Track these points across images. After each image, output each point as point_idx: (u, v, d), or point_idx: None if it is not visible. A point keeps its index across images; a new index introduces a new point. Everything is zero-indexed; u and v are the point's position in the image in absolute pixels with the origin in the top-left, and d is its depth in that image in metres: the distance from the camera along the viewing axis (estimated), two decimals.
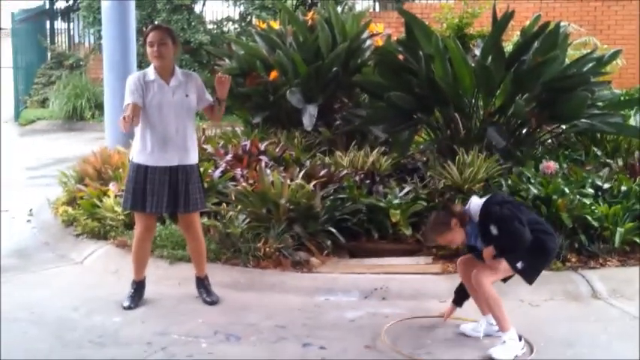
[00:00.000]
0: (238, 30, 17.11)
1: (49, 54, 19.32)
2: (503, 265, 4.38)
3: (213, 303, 5.27)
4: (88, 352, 4.49)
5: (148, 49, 5.04)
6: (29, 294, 5.47)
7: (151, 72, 5.05)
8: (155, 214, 5.25)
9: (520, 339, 4.40)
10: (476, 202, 4.48)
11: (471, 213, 4.45)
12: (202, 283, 5.36)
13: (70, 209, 7.05)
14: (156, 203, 5.04)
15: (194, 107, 5.21)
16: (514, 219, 4.29)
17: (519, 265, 4.37)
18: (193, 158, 5.19)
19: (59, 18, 20.60)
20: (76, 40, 20.20)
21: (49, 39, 19.72)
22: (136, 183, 5.04)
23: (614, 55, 8.10)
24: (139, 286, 5.30)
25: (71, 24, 20.42)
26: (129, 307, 5.14)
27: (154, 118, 5.00)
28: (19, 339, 4.66)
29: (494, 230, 4.33)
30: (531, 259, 4.41)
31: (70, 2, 20.35)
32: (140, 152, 5.06)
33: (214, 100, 5.29)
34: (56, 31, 20.45)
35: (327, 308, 5.21)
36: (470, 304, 4.79)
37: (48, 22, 19.99)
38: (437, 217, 4.59)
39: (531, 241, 4.30)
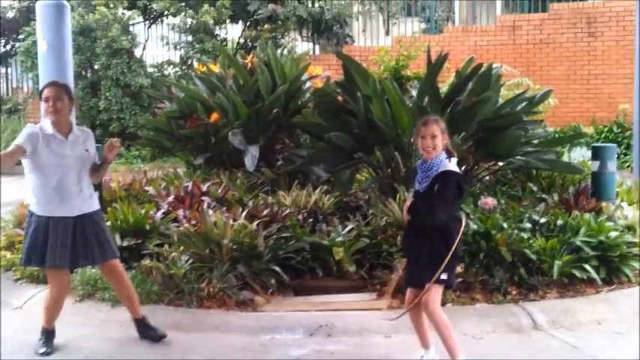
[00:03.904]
0: (179, 73, 17.17)
1: None
2: (436, 286, 4.46)
3: (163, 336, 5.23)
4: None
5: (44, 105, 4.98)
6: None
7: (47, 126, 4.97)
8: (62, 267, 5.04)
9: None
10: (449, 163, 4.49)
11: (444, 161, 4.48)
12: (143, 322, 5.30)
13: (8, 254, 6.93)
14: (59, 256, 4.92)
15: (92, 161, 5.15)
16: (456, 196, 4.43)
17: (444, 276, 4.44)
18: (95, 205, 5.13)
19: None
20: (14, 84, 19.98)
21: None
22: (40, 237, 4.92)
23: (546, 95, 8.37)
24: (50, 334, 5.20)
25: (9, 68, 20.22)
26: (46, 353, 5.04)
27: (52, 170, 4.92)
28: None
29: (438, 185, 4.42)
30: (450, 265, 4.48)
31: (8, 47, 20.14)
32: (40, 203, 4.95)
33: (101, 162, 5.21)
34: None
35: (272, 347, 5.20)
36: (410, 340, 4.84)
37: None
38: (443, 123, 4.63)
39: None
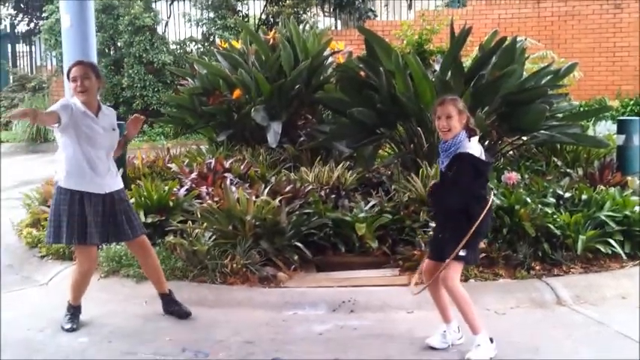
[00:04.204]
0: (201, 50, 17.17)
1: (11, 77, 19.21)
2: (455, 262, 4.44)
3: (189, 314, 5.28)
4: None
5: (72, 84, 5.00)
6: None
7: (79, 104, 4.98)
8: (94, 244, 5.16)
9: (492, 341, 4.46)
10: (469, 143, 4.44)
11: (463, 141, 4.44)
12: (169, 297, 5.36)
13: (34, 231, 7.01)
14: (98, 234, 4.98)
15: (118, 139, 5.24)
16: (473, 178, 4.41)
17: (462, 252, 4.43)
18: (121, 182, 5.22)
19: (21, 41, 20.50)
20: (38, 62, 20.12)
21: (10, 62, 19.61)
22: (71, 214, 4.92)
23: (571, 68, 8.28)
24: (76, 310, 5.25)
25: (33, 47, 20.34)
26: (72, 329, 5.10)
27: (85, 147, 4.94)
28: None
29: (461, 172, 4.39)
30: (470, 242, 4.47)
31: (32, 25, 20.26)
32: (72, 179, 4.95)
33: (122, 137, 5.35)
34: (18, 54, 20.34)
35: (295, 322, 5.22)
36: (433, 316, 4.84)
37: (9, 46, 19.87)
38: (461, 101, 4.57)
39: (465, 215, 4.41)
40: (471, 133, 4.46)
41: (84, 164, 4.94)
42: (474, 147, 4.44)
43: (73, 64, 5.12)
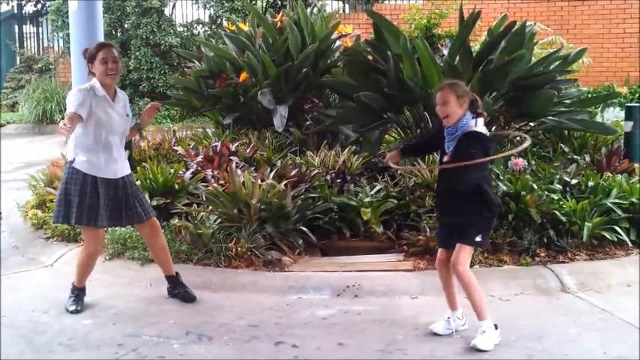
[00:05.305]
0: (208, 32, 17.11)
1: (17, 58, 19.22)
2: (467, 247, 4.45)
3: (194, 298, 5.28)
4: (58, 356, 4.43)
5: (101, 67, 4.93)
6: None
7: (98, 88, 4.94)
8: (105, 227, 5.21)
9: (496, 327, 4.45)
10: (473, 125, 4.40)
11: (469, 122, 4.39)
12: (177, 280, 5.37)
13: (39, 212, 7.02)
14: (108, 218, 4.98)
15: (130, 123, 5.23)
16: (483, 156, 4.33)
17: (479, 238, 4.42)
18: (129, 166, 5.22)
19: (28, 22, 20.47)
20: (45, 44, 20.10)
21: (17, 43, 19.61)
22: (82, 195, 4.91)
23: (580, 54, 8.22)
24: (81, 291, 5.25)
25: (40, 28, 20.32)
26: (76, 311, 5.10)
27: (103, 132, 4.93)
28: None
29: (470, 148, 4.32)
30: (486, 226, 4.52)
31: (39, 6, 20.22)
32: (88, 163, 4.93)
33: (135, 124, 5.33)
34: (25, 35, 20.33)
35: (299, 307, 5.22)
36: (437, 301, 4.83)
37: (16, 27, 19.87)
38: (461, 85, 4.51)
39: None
40: (477, 115, 4.42)
41: (101, 151, 4.94)
42: (480, 129, 4.40)
43: (99, 46, 5.05)
